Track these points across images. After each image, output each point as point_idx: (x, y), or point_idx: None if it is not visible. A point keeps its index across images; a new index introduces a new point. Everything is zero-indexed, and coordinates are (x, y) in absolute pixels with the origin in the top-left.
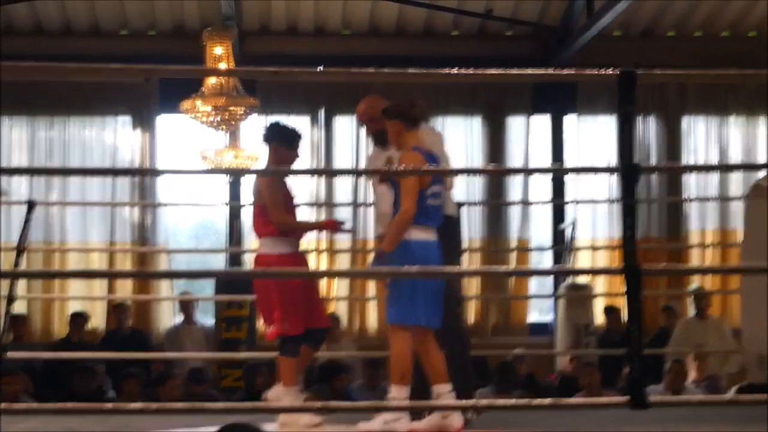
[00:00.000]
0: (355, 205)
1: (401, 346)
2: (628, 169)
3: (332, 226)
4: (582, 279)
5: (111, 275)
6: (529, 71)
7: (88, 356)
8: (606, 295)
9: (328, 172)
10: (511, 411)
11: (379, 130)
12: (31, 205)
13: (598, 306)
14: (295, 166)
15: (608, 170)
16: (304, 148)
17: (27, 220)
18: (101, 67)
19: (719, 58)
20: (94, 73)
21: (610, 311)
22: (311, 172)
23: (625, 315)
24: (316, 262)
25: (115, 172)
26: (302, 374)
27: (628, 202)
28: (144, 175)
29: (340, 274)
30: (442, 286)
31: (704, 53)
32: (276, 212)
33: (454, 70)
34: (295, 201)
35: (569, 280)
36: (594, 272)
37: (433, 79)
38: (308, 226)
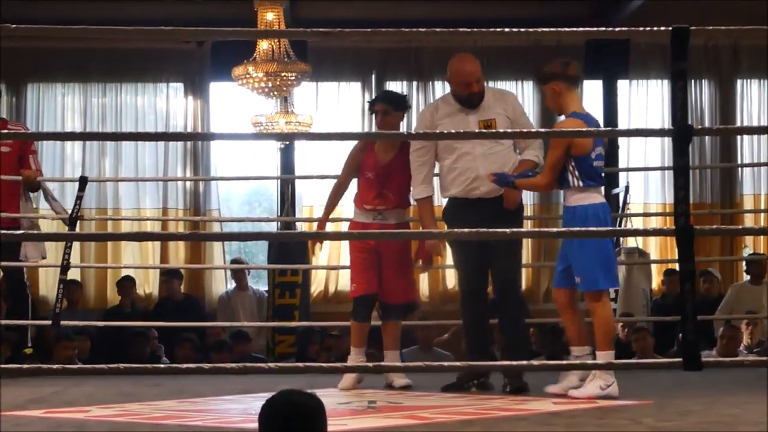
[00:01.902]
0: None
1: (608, 311)
2: (681, 129)
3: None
4: (634, 243)
5: (165, 237)
6: (581, 29)
7: (139, 324)
8: (663, 261)
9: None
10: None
11: (479, 91)
12: (83, 181)
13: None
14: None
15: (661, 132)
16: (355, 115)
17: (78, 197)
18: (152, 30)
19: None
20: (145, 35)
21: (671, 274)
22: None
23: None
24: None
25: (168, 136)
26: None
27: (681, 162)
28: (197, 139)
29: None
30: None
31: (763, 18)
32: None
33: (506, 29)
34: (377, 171)
35: (624, 244)
36: (646, 233)
37: (485, 39)
38: (327, 209)
